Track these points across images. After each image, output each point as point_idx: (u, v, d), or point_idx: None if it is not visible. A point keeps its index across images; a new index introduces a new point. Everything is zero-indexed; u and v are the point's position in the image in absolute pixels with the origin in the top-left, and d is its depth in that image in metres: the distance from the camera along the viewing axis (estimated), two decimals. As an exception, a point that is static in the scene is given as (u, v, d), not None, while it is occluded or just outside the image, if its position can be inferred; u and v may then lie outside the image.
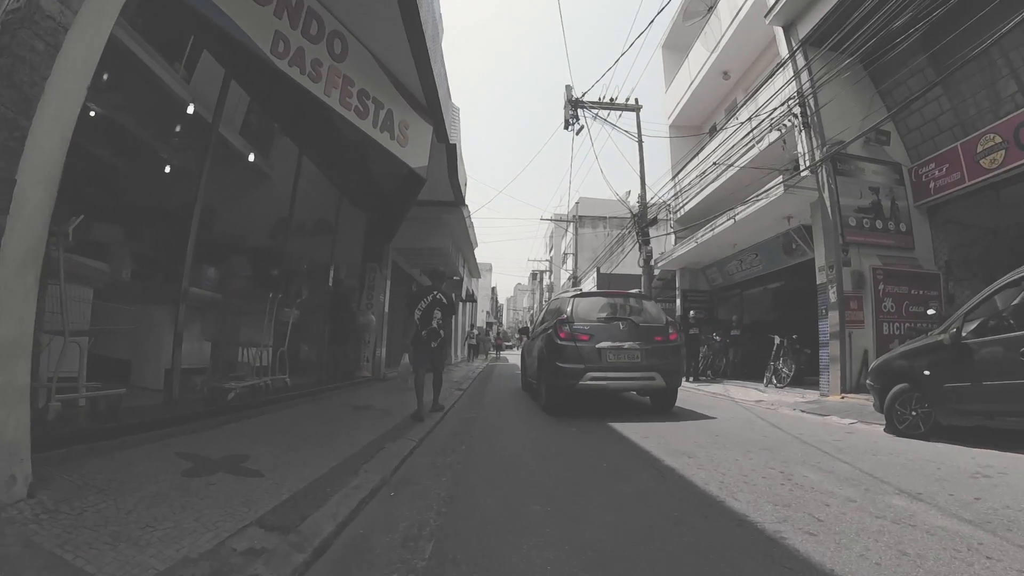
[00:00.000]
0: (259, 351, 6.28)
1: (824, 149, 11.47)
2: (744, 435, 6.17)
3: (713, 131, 18.23)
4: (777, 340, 12.85)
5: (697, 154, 16.20)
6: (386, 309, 11.22)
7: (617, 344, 7.61)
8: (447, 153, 9.30)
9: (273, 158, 10.51)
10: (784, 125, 12.35)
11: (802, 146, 11.84)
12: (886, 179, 11.60)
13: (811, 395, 10.91)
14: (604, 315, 8.19)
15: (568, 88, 19.89)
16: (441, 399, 7.29)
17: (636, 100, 20.15)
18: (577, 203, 42.98)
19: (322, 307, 9.63)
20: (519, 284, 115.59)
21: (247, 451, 4.03)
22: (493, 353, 39.60)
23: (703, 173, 14.56)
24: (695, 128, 20.03)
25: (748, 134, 13.21)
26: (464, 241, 15.62)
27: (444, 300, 6.62)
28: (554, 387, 7.73)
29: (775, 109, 12.41)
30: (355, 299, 10.69)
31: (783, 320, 14.38)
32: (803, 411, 8.72)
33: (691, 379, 14.83)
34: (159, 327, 5.76)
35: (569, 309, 8.15)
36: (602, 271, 34.61)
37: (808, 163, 11.60)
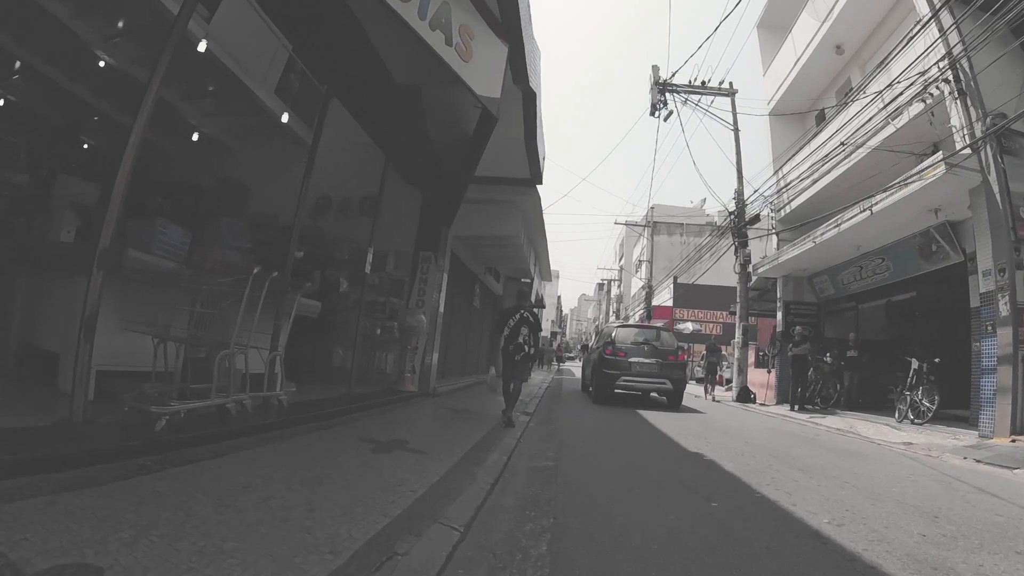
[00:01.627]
0: (234, 354, 4.33)
1: (988, 121, 9.04)
2: (929, 505, 4.13)
3: (823, 116, 15.84)
4: (915, 364, 10.37)
5: (810, 140, 13.82)
6: (441, 309, 9.55)
7: (642, 360, 11.47)
8: (524, 105, 7.46)
9: (313, 122, 9.08)
10: (930, 95, 9.97)
11: (958, 119, 9.42)
12: (1060, 161, 9.12)
13: (964, 436, 8.55)
14: (636, 340, 12.00)
15: (655, 68, 17.94)
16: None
17: (731, 84, 18.00)
18: (652, 208, 40.52)
19: (363, 302, 8.06)
20: (584, 295, 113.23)
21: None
22: (556, 365, 37.59)
23: (824, 158, 12.18)
24: (800, 115, 17.51)
25: (882, 108, 10.83)
26: (538, 232, 13.61)
27: (531, 318, 7.32)
28: (600, 386, 11.73)
29: (917, 77, 10.03)
30: (404, 295, 9.07)
31: (912, 339, 11.96)
32: (977, 460, 6.60)
33: (795, 408, 12.45)
34: (63, 304, 4.30)
35: (613, 334, 12.32)
36: (679, 281, 32.28)
37: (967, 140, 9.17)
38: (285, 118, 8.17)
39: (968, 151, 9.00)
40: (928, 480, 5.29)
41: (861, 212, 10.83)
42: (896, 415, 10.44)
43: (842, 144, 11.67)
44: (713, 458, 5.73)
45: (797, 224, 14.08)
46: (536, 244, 14.43)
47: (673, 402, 11.86)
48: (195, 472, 3.18)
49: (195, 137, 9.06)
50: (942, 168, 9.00)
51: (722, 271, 24.51)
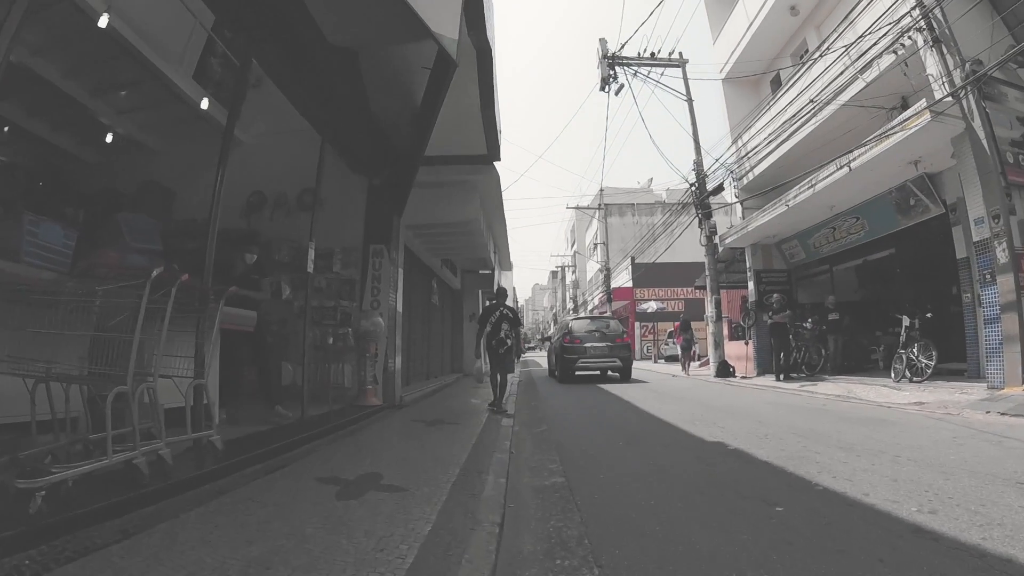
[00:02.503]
0: (137, 388, 3.25)
1: (968, 67, 8.59)
2: (1004, 471, 3.56)
3: (779, 81, 15.37)
4: (907, 321, 9.90)
5: (773, 103, 13.25)
6: (399, 308, 8.41)
7: (595, 344, 13.90)
8: (479, 64, 6.43)
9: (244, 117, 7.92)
10: (902, 45, 9.46)
11: (935, 67, 8.93)
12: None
13: (972, 389, 8.07)
14: (589, 329, 14.46)
15: (602, 41, 17.11)
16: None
17: (680, 54, 17.35)
18: (601, 191, 39.96)
19: (308, 308, 6.90)
20: (537, 284, 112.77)
21: None
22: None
23: (792, 118, 11.59)
24: (754, 80, 17.03)
25: (849, 65, 10.31)
26: (497, 215, 12.20)
27: (511, 315, 7.86)
28: (564, 368, 14.00)
29: (889, 28, 9.51)
30: (356, 296, 7.93)
31: (898, 297, 11.61)
32: (1002, 413, 6.18)
33: (781, 377, 11.88)
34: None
35: (570, 326, 14.88)
36: (637, 261, 31.85)
37: (947, 88, 8.68)
38: (205, 104, 6.92)
39: (949, 99, 8.54)
40: (976, 441, 4.78)
41: (838, 169, 10.27)
42: (892, 375, 9.96)
43: (812, 101, 11.08)
44: (738, 446, 4.91)
45: (763, 190, 13.50)
46: (495, 230, 13.31)
47: (624, 375, 14.25)
48: (90, 570, 2.08)
49: (109, 139, 7.75)
50: (927, 116, 8.47)
51: (679, 248, 24.28)
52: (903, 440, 4.90)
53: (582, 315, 22.72)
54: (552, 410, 8.34)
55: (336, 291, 8.04)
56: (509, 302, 8.29)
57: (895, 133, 8.96)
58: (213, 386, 5.26)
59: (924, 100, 8.65)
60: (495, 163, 8.79)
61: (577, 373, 13.94)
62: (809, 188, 11.06)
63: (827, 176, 10.56)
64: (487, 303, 10.09)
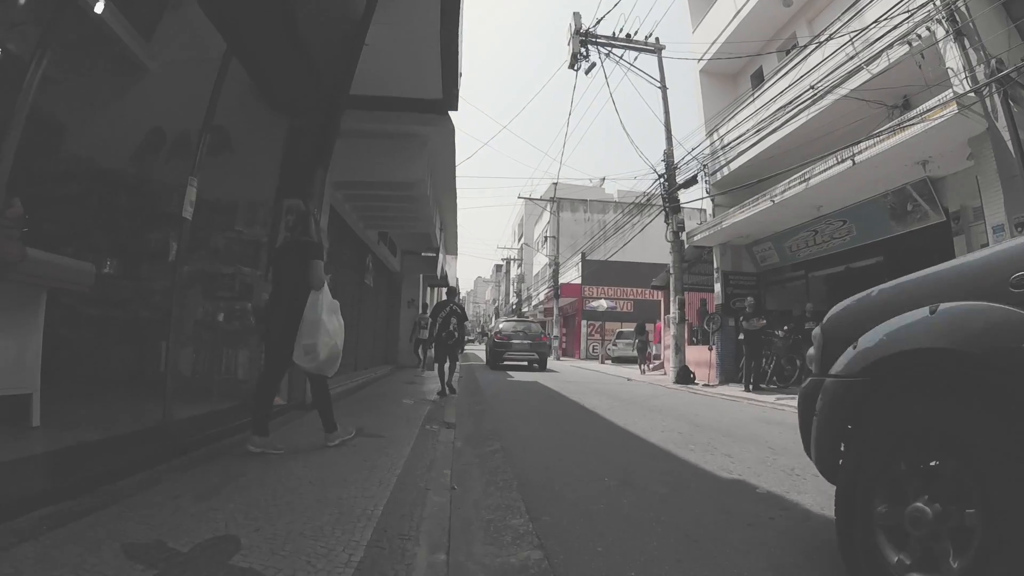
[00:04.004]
0: None
1: (993, 63, 7.66)
2: None
3: (760, 77, 14.35)
4: None
5: (761, 93, 12.14)
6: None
7: (519, 341, 17.97)
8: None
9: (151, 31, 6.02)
10: (918, 36, 8.44)
11: (955, 61, 7.95)
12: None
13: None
14: (516, 329, 18.83)
15: (576, 16, 15.65)
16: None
17: (657, 40, 16.09)
18: (555, 184, 38.65)
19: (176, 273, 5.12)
20: (480, 277, 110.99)
21: None
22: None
23: (784, 107, 10.48)
24: (733, 74, 16.01)
25: (852, 57, 9.27)
26: (446, 183, 10.10)
27: (459, 310, 8.91)
28: (494, 358, 18.30)
29: (906, 17, 8.52)
30: (261, 264, 6.15)
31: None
32: None
33: (750, 387, 10.78)
34: None
35: (501, 327, 19.55)
36: (588, 258, 30.72)
37: (968, 84, 7.73)
38: (100, 7, 5.06)
39: (972, 96, 7.63)
40: None
41: (839, 163, 9.17)
42: None
43: (812, 88, 9.95)
44: (769, 488, 3.61)
45: (738, 186, 12.36)
46: (443, 203, 11.34)
47: (541, 366, 18.40)
48: None
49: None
50: (953, 108, 7.43)
51: (633, 247, 23.48)
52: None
53: (512, 318, 27.02)
54: (502, 418, 6.74)
55: (237, 255, 6.19)
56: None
57: (913, 124, 7.86)
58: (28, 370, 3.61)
59: (950, 91, 7.64)
60: (450, 113, 7.06)
61: (504, 362, 18.31)
62: (801, 183, 9.93)
63: (824, 171, 9.45)
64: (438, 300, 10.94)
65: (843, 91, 9.65)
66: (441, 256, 16.51)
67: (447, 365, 8.64)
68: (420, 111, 6.85)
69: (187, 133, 6.81)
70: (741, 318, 11.20)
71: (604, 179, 47.52)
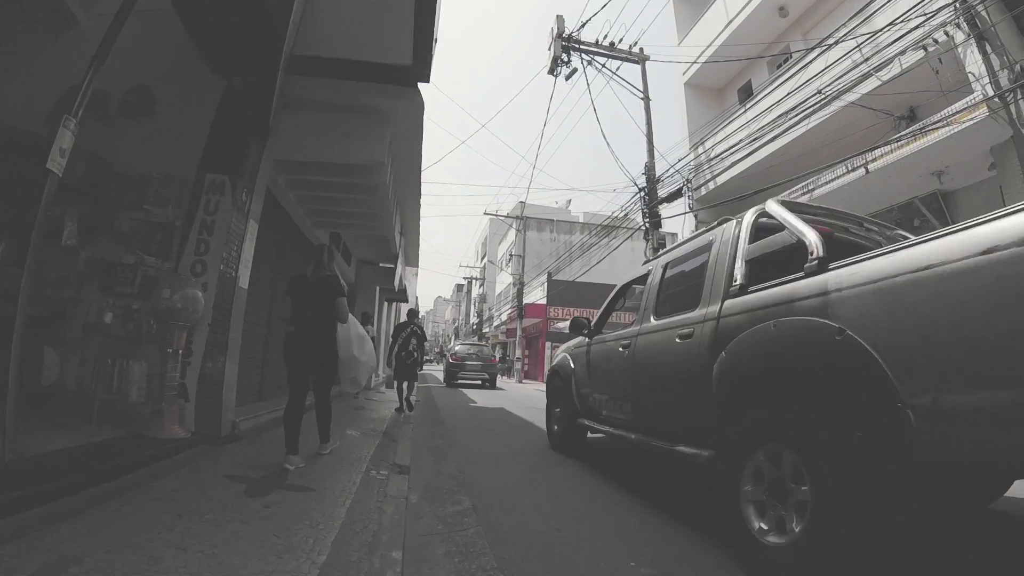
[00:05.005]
0: None
1: (1018, 68, 7.05)
2: None
3: (748, 91, 13.74)
4: None
5: (754, 104, 11.43)
6: (243, 282, 5.24)
7: (472, 362, 19.75)
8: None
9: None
10: (934, 40, 7.81)
11: (976, 66, 7.31)
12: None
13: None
14: (468, 352, 20.80)
15: (559, 19, 14.79)
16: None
17: (641, 49, 15.40)
18: (523, 202, 37.81)
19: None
20: (440, 296, 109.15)
21: None
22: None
23: (785, 114, 9.73)
24: (719, 89, 15.43)
25: (859, 64, 8.59)
26: (410, 175, 8.57)
27: (419, 331, 9.33)
28: (449, 376, 19.89)
29: (923, 21, 7.90)
30: (172, 253, 4.83)
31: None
32: None
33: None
34: None
35: (456, 349, 21.84)
36: (554, 277, 29.79)
37: (992, 89, 7.07)
38: None
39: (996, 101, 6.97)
40: None
41: (849, 172, 8.43)
42: None
43: (819, 92, 9.23)
44: None
45: (730, 199, 11.53)
46: (406, 204, 9.96)
47: (491, 384, 19.59)
48: None
49: None
50: (983, 111, 6.72)
51: (602, 269, 22.92)
52: None
53: (467, 342, 29.77)
54: (469, 458, 5.46)
55: (142, 240, 4.85)
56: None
57: (936, 129, 7.14)
58: None
59: (979, 93, 6.93)
60: (420, 86, 5.86)
61: (459, 380, 19.57)
62: (804, 194, 9.13)
63: (832, 180, 8.68)
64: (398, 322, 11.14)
65: (852, 97, 8.96)
66: (400, 267, 15.05)
67: (405, 384, 8.93)
68: (384, 80, 5.61)
69: (105, 93, 5.54)
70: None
71: (570, 201, 47.15)
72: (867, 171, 8.00)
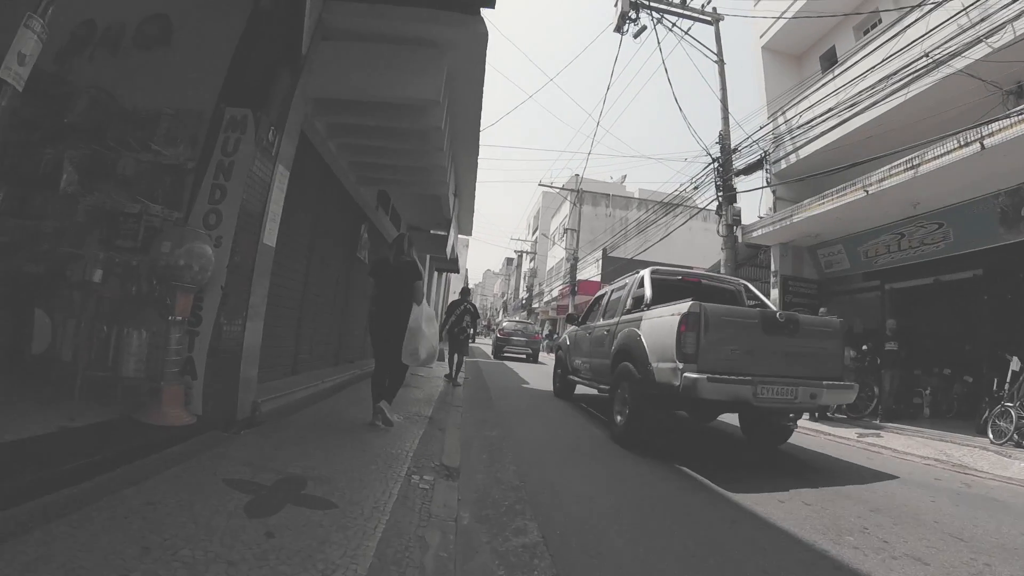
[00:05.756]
0: None
1: None
2: None
3: (833, 57, 12.31)
4: (1016, 364, 7.34)
5: (836, 76, 10.24)
6: (267, 239, 4.55)
7: (518, 338, 21.52)
8: None
9: None
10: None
11: None
12: None
13: None
14: (515, 329, 22.68)
15: (627, -30, 13.55)
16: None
17: (715, 9, 14.02)
18: (579, 176, 36.50)
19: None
20: (489, 270, 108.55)
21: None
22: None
23: (886, 80, 8.55)
24: (798, 56, 13.98)
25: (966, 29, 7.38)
26: (468, 122, 7.32)
27: (472, 309, 10.03)
28: (497, 350, 21.48)
29: None
30: (184, 200, 4.19)
31: (964, 332, 9.49)
32: None
33: (815, 416, 8.86)
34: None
35: (503, 325, 24.17)
36: (610, 254, 28.63)
37: None
38: None
39: None
40: None
41: (962, 147, 7.20)
42: (991, 434, 7.14)
43: (926, 55, 7.99)
44: None
45: (812, 174, 10.33)
46: (460, 157, 8.99)
47: (534, 359, 20.76)
48: None
49: None
50: None
51: (656, 250, 22.08)
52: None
53: (514, 319, 31.17)
54: (530, 456, 4.75)
55: (148, 185, 4.23)
56: (458, 280, 14.89)
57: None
58: None
59: None
60: (484, 12, 4.97)
61: (505, 353, 20.88)
62: (908, 170, 7.91)
63: (940, 156, 7.46)
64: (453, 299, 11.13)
65: (961, 63, 7.71)
66: (453, 234, 14.33)
67: (455, 359, 9.67)
68: (440, 5, 4.81)
69: (122, 24, 4.96)
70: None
71: (625, 176, 45.53)
72: (983, 147, 6.77)
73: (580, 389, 9.11)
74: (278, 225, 4.61)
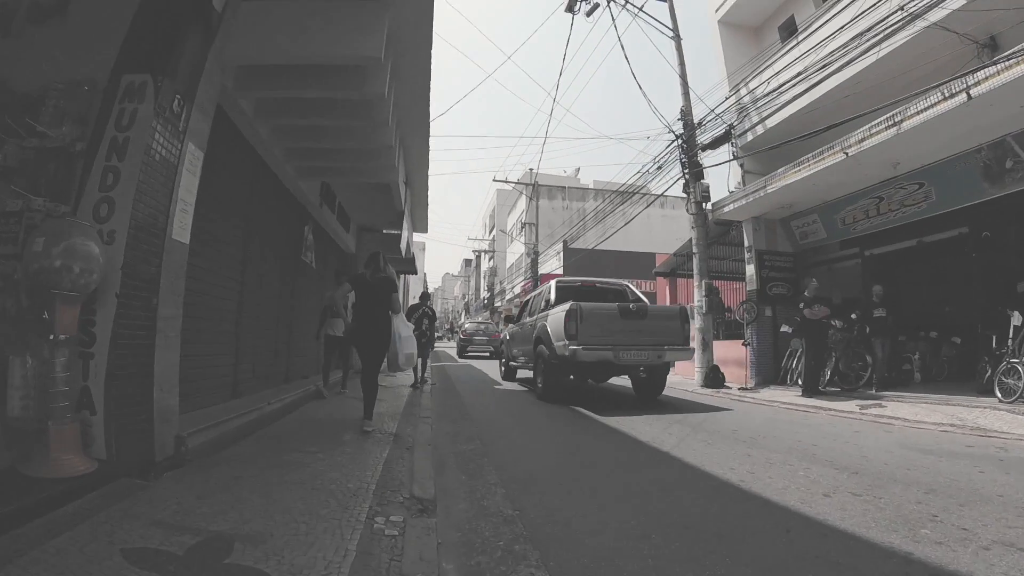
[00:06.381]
0: None
1: None
2: None
3: (792, 27, 11.99)
4: (1017, 319, 7.03)
5: (799, 42, 9.89)
6: (176, 233, 3.56)
7: (479, 338, 22.82)
8: None
9: None
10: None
11: None
12: None
13: None
14: (476, 329, 24.32)
15: (576, -56, 12.92)
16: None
17: (667, -16, 13.55)
18: (533, 171, 35.92)
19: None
20: (448, 273, 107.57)
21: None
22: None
23: (850, 42, 8.23)
24: (755, 28, 13.66)
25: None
26: (416, 89, 6.25)
27: (430, 312, 10.36)
28: (460, 350, 23.20)
29: None
30: (73, 189, 3.29)
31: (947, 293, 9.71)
32: None
33: (808, 392, 8.44)
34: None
35: (465, 327, 27.11)
36: (571, 246, 28.09)
37: None
38: None
39: None
40: None
41: (946, 99, 6.81)
42: (998, 392, 6.82)
43: (901, 8, 7.65)
44: None
45: (780, 143, 9.91)
46: (410, 141, 8.15)
47: (495, 356, 18.81)
48: None
49: None
50: None
51: (616, 238, 22.15)
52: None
53: (475, 320, 32.45)
54: (520, 478, 3.97)
55: (32, 174, 3.33)
56: (417, 285, 15.46)
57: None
58: None
59: None
60: None
61: (468, 353, 22.05)
62: (890, 127, 7.50)
63: (923, 111, 7.08)
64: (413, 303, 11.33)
65: (943, 11, 7.40)
66: (407, 230, 13.38)
67: (419, 360, 9.21)
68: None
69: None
70: (802, 305, 8.73)
71: (579, 169, 45.30)
72: (969, 96, 6.40)
73: (521, 373, 11.45)
74: (191, 217, 3.70)
